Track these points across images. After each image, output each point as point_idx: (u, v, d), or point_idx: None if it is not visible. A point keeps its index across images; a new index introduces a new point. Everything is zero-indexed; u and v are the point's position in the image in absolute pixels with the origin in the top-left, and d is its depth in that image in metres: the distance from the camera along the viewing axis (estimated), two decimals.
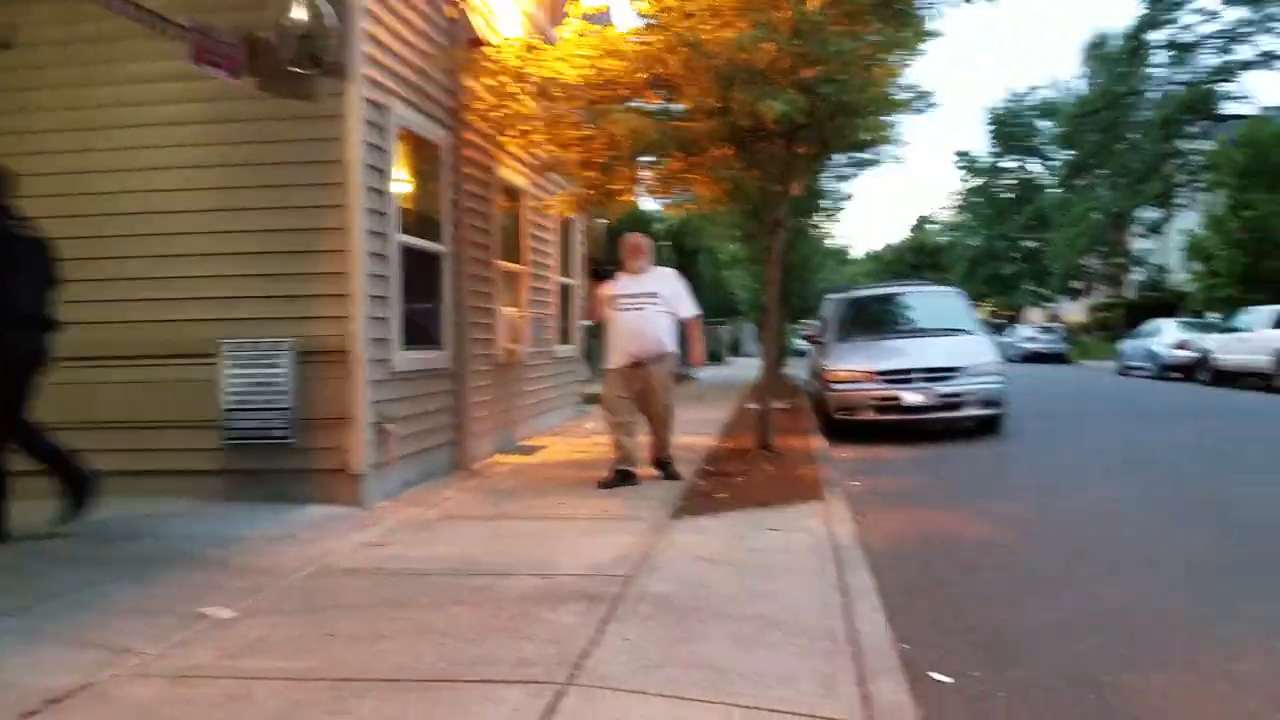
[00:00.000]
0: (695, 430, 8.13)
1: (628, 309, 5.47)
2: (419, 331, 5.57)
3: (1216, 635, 2.89)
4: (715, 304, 41.83)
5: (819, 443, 7.83)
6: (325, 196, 4.66)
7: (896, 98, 6.49)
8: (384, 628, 2.82)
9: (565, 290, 9.62)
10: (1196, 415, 11.17)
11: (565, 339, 9.67)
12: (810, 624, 2.90)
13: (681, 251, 31.59)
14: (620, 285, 5.57)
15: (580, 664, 2.45)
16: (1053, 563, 3.93)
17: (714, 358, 30.48)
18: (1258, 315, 16.87)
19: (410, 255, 5.37)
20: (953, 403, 8.26)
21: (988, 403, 8.37)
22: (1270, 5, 30.06)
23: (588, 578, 3.36)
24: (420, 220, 5.67)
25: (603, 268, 8.70)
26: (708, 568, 3.57)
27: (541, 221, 8.55)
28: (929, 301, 10.14)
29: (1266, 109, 29.45)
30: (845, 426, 8.49)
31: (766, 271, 7.63)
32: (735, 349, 37.86)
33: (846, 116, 6.22)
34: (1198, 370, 18.12)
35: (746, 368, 24.25)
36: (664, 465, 5.69)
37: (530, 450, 7.17)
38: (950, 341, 8.85)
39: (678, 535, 4.17)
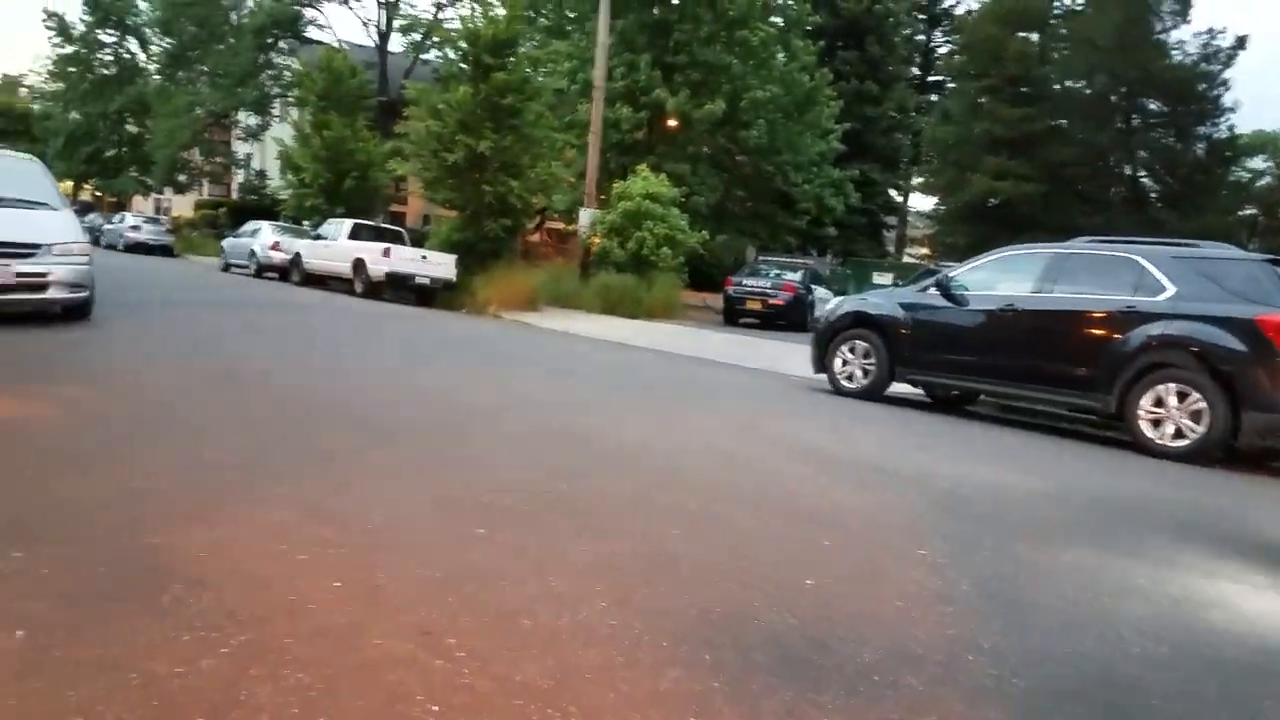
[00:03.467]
0: None
1: None
2: None
3: (255, 492, 3.29)
4: None
5: None
6: None
7: None
8: None
9: None
10: (282, 308, 12.43)
11: None
12: None
13: None
14: None
15: None
16: (108, 440, 3.85)
17: None
18: (339, 226, 19.55)
19: None
20: (34, 283, 7.27)
21: (75, 285, 7.61)
22: None
23: None
24: None
25: None
26: None
27: None
28: (4, 168, 8.58)
29: (341, 41, 33.71)
30: None
31: None
32: None
33: None
34: (291, 271, 20.12)
35: None
36: None
37: None
38: (31, 215, 7.69)
39: None
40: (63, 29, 40.80)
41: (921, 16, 41.01)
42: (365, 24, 36.68)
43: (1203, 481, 5.89)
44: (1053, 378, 7.49)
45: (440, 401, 5.88)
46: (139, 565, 2.47)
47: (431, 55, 33.43)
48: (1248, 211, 34.20)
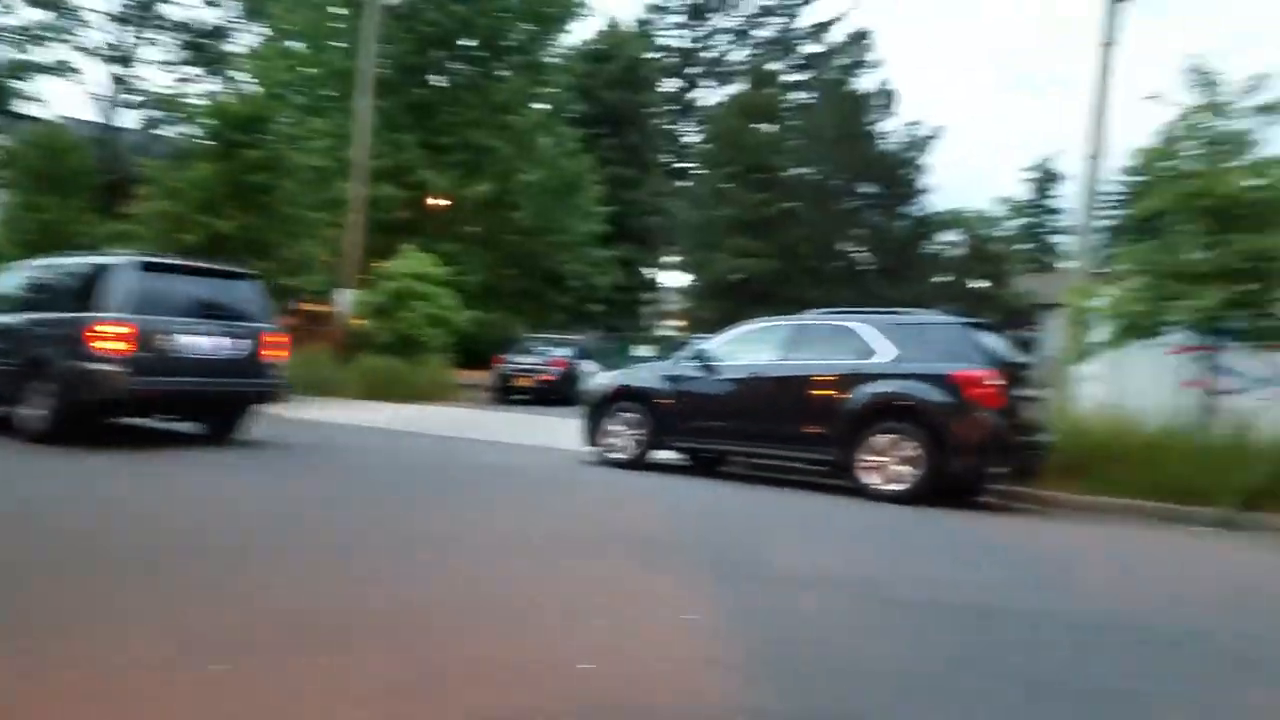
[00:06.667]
0: None
1: None
2: None
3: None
4: None
5: None
6: None
7: None
8: None
9: None
10: None
11: None
12: None
13: None
14: None
15: None
16: None
17: None
18: None
19: None
20: None
21: None
22: (71, 18, 31.06)
23: None
24: None
25: None
26: None
27: None
28: None
29: (61, 117, 30.28)
30: None
31: None
32: None
33: None
34: None
35: None
36: None
37: None
38: None
39: None
40: None
41: (675, 108, 44.23)
42: (93, 98, 32.96)
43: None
44: (790, 436, 8.18)
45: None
46: None
47: (173, 132, 30.98)
48: (945, 278, 39.54)
